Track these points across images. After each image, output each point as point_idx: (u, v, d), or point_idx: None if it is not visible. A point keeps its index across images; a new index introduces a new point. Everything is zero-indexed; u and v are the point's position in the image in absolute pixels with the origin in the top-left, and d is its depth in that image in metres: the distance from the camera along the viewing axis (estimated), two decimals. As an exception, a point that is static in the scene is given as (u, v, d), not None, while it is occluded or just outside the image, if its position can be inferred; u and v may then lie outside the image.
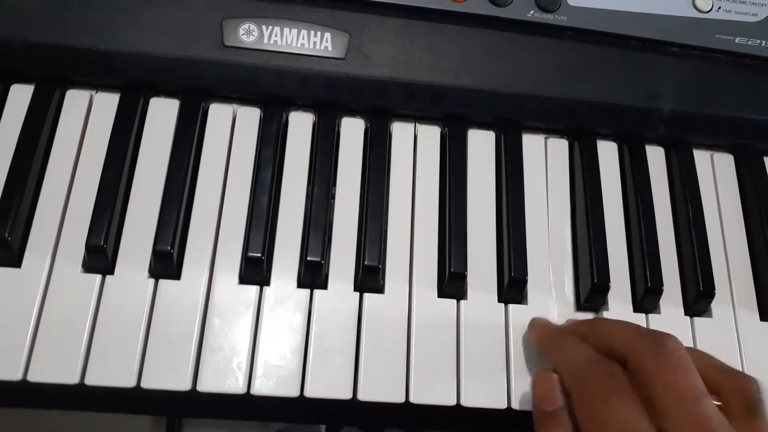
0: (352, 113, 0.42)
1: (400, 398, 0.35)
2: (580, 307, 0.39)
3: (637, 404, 0.29)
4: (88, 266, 0.36)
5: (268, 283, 0.37)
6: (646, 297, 0.39)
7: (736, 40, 0.44)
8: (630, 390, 0.29)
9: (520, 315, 0.38)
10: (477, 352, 0.37)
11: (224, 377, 0.34)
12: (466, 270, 0.38)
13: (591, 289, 0.38)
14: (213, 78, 0.40)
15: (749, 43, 0.44)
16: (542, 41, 0.42)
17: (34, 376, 0.33)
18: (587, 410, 0.30)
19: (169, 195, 0.37)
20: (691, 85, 0.43)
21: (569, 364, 0.33)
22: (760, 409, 0.29)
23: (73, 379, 0.34)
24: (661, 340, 0.30)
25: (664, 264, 0.40)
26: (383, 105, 0.41)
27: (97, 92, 0.40)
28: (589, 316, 0.39)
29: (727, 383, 0.30)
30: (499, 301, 0.38)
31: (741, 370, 0.39)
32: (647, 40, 0.43)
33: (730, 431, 0.27)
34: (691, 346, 0.39)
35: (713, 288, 0.39)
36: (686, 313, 0.40)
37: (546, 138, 0.43)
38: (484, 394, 0.36)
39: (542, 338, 0.36)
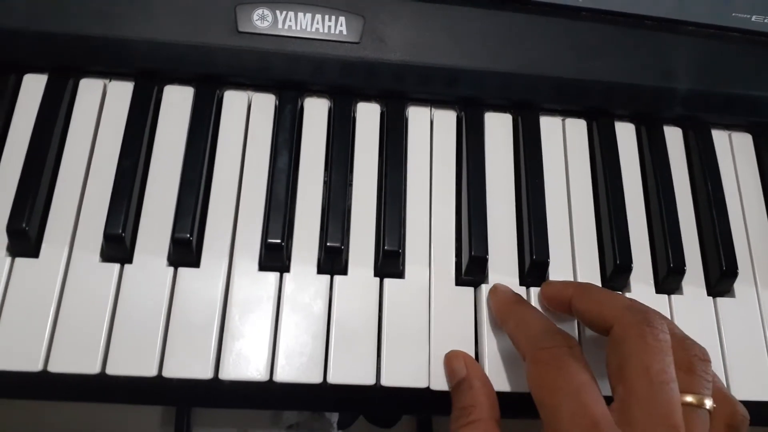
0: (367, 98, 0.41)
1: (423, 383, 0.35)
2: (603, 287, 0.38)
3: (589, 373, 0.29)
4: (107, 255, 0.36)
5: (287, 270, 0.36)
6: (669, 277, 0.39)
7: (753, 18, 0.44)
8: (584, 360, 0.30)
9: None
10: (498, 337, 0.36)
11: (246, 365, 0.34)
12: (487, 253, 0.37)
13: (613, 271, 0.38)
14: (227, 65, 0.39)
15: (766, 21, 0.44)
16: (557, 22, 0.41)
17: (54, 367, 0.33)
18: (540, 376, 0.30)
19: (186, 182, 0.37)
20: (708, 64, 0.43)
21: (528, 332, 0.33)
22: (698, 371, 0.29)
23: (93, 369, 0.33)
24: (648, 317, 0.29)
25: (686, 245, 0.39)
26: (399, 89, 0.41)
27: (110, 81, 0.40)
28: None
29: (720, 402, 0.30)
30: (521, 284, 0.38)
31: (765, 349, 0.38)
32: (662, 19, 0.43)
33: (685, 421, 0.27)
34: (714, 327, 0.39)
35: (736, 267, 0.39)
36: (709, 294, 0.39)
37: (563, 119, 0.43)
38: (507, 377, 0.36)
39: (501, 304, 0.36)
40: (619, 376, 0.29)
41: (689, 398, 0.28)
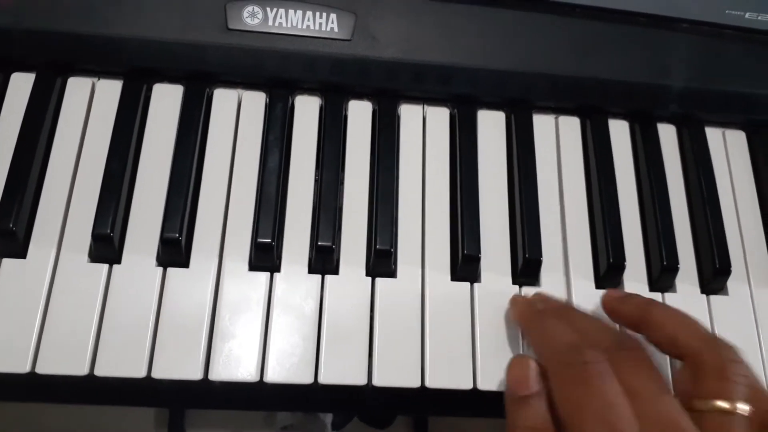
0: (359, 96, 0.41)
1: (415, 383, 0.35)
2: (597, 287, 0.38)
3: (618, 392, 0.28)
4: (95, 255, 0.35)
5: (278, 270, 0.36)
6: (662, 276, 0.38)
7: (746, 16, 0.44)
8: (613, 378, 0.28)
9: (535, 297, 0.37)
10: (492, 335, 0.36)
11: (236, 365, 0.34)
12: (479, 252, 0.37)
13: (607, 269, 0.38)
14: (217, 62, 0.39)
15: (759, 18, 0.43)
16: (551, 19, 0.41)
17: (42, 369, 0.33)
18: (566, 394, 0.29)
19: (175, 182, 0.37)
20: (702, 62, 0.42)
21: (552, 347, 0.31)
22: (729, 374, 0.29)
23: (81, 370, 0.33)
24: (726, 348, 0.29)
25: (679, 243, 0.39)
26: (391, 87, 0.41)
27: (99, 79, 0.39)
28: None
29: (707, 349, 0.29)
30: (514, 283, 0.38)
31: (759, 347, 0.38)
32: (656, 16, 0.43)
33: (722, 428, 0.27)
34: (708, 325, 0.38)
35: (729, 265, 0.39)
36: (702, 291, 0.39)
37: (557, 117, 0.43)
38: (502, 377, 0.35)
39: (524, 316, 0.35)
40: (694, 393, 0.28)
41: (721, 404, 0.28)
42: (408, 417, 1.00)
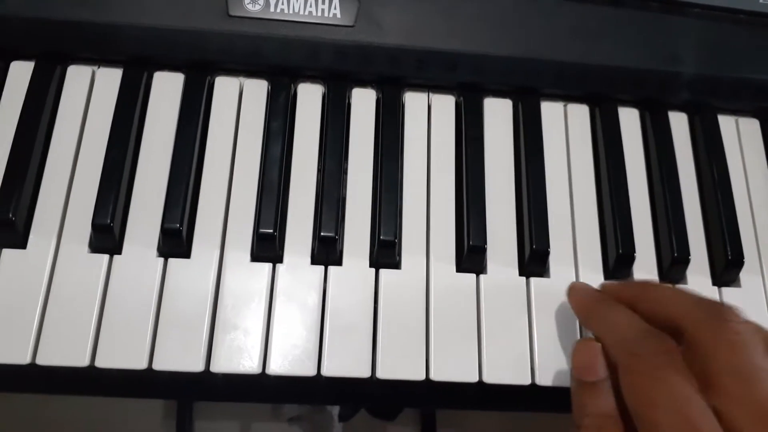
0: (362, 84, 0.40)
1: (420, 375, 0.34)
2: (606, 279, 0.37)
3: (691, 384, 0.26)
4: (95, 246, 0.35)
5: (280, 261, 0.35)
6: (673, 267, 0.38)
7: (760, 0, 0.43)
8: (685, 368, 0.27)
9: (543, 289, 0.36)
10: (498, 328, 0.35)
11: (238, 357, 0.33)
12: (485, 243, 0.36)
13: (616, 260, 0.37)
14: (218, 50, 0.38)
15: (774, 2, 0.42)
16: (560, 4, 0.40)
17: (43, 360, 0.32)
18: (636, 386, 0.27)
19: (176, 171, 0.36)
20: (714, 47, 0.41)
21: (618, 336, 0.30)
22: (726, 314, 0.28)
23: (82, 361, 0.33)
24: (721, 312, 0.27)
25: (691, 233, 0.38)
26: (395, 74, 0.40)
27: (99, 68, 0.39)
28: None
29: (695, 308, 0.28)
30: (521, 274, 0.37)
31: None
32: (668, 0, 0.42)
33: None
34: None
35: (742, 257, 0.38)
36: (714, 283, 0.38)
37: (565, 105, 0.42)
38: (507, 369, 0.35)
39: (584, 306, 0.33)
40: (708, 383, 0.26)
41: None
42: (414, 409, 1.00)
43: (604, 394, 0.30)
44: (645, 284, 0.33)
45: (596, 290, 0.34)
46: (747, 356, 0.26)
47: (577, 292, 0.34)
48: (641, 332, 0.29)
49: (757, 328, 0.27)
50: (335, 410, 0.92)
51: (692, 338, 0.28)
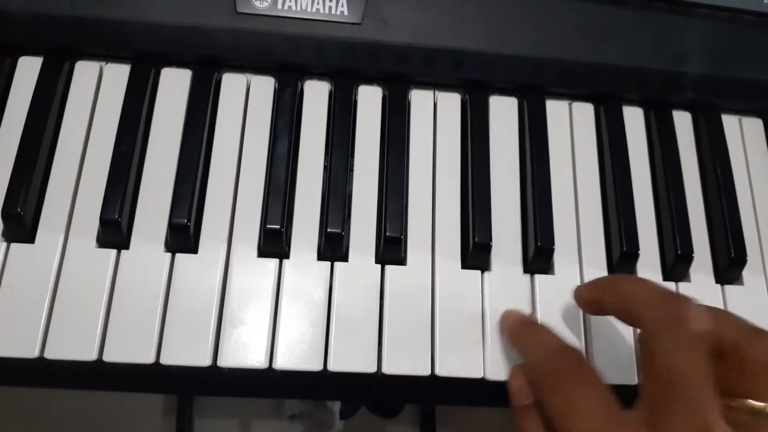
0: (369, 81, 0.40)
1: (425, 371, 0.34)
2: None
3: (602, 388, 0.27)
4: (103, 241, 0.35)
5: (287, 256, 0.36)
6: (676, 265, 0.38)
7: (765, 0, 0.43)
8: (595, 377, 0.28)
9: (547, 286, 0.37)
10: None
11: (245, 352, 0.34)
12: (490, 240, 0.36)
13: (620, 258, 0.37)
14: (226, 47, 0.38)
15: (778, 3, 0.43)
16: (565, 3, 0.40)
17: (50, 354, 0.33)
18: (552, 401, 0.29)
19: (183, 167, 0.36)
20: (719, 48, 0.42)
21: (535, 357, 0.32)
22: (681, 313, 0.27)
23: (90, 356, 0.33)
24: (677, 311, 0.27)
25: (694, 231, 0.39)
26: (401, 72, 0.40)
27: (107, 63, 0.39)
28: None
29: (751, 343, 0.27)
30: (525, 271, 0.37)
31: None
32: (673, 0, 0.42)
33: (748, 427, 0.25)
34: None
35: (745, 255, 0.38)
36: (717, 281, 0.39)
37: (570, 103, 0.42)
38: (511, 366, 0.35)
39: (510, 331, 0.35)
40: (648, 375, 0.27)
41: (756, 404, 0.26)
42: (416, 406, 1.00)
43: (534, 415, 0.31)
44: (612, 279, 0.33)
45: (523, 316, 0.36)
46: (688, 361, 0.26)
47: (506, 319, 0.35)
48: (552, 349, 0.31)
49: (707, 333, 0.27)
50: (336, 408, 0.92)
51: (646, 334, 0.28)
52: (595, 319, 0.36)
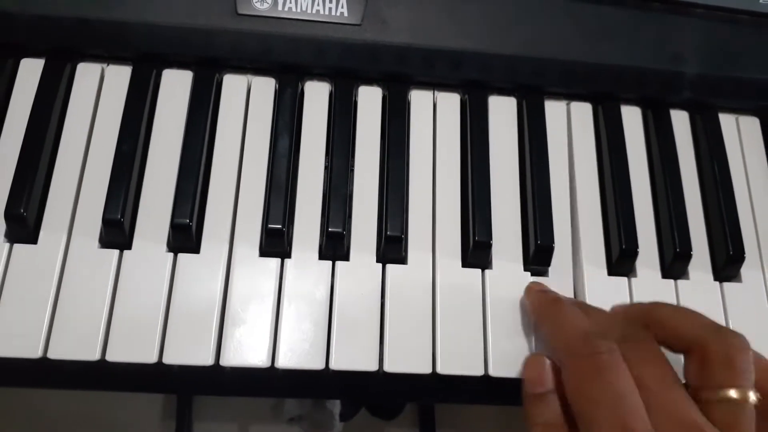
0: (369, 82, 0.41)
1: (426, 369, 0.35)
2: (609, 274, 0.38)
3: (629, 382, 0.27)
4: (106, 241, 0.35)
5: (289, 256, 0.36)
6: (675, 262, 0.38)
7: (761, 0, 0.43)
8: (625, 368, 0.28)
9: (547, 284, 0.37)
10: (504, 322, 0.36)
11: (248, 351, 0.34)
12: (491, 239, 0.37)
13: (619, 256, 0.37)
14: (227, 48, 0.39)
15: (774, 2, 0.43)
16: (563, 4, 0.41)
17: (53, 354, 0.33)
18: (577, 385, 0.29)
19: (185, 167, 0.36)
20: (715, 47, 0.42)
21: (565, 337, 0.31)
22: (738, 363, 0.28)
23: (93, 355, 0.33)
24: (729, 333, 0.29)
25: (692, 229, 0.39)
26: (401, 72, 0.40)
27: (108, 65, 0.39)
28: (619, 282, 0.38)
29: (712, 338, 0.29)
30: (525, 270, 0.37)
31: None
32: (670, 1, 0.42)
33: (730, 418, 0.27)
34: (721, 312, 0.38)
35: (743, 252, 0.38)
36: (715, 279, 0.39)
37: (568, 103, 0.42)
38: (513, 363, 0.35)
39: (539, 305, 0.35)
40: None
41: (732, 393, 0.27)
42: (416, 407, 1.00)
43: (550, 404, 0.31)
44: (651, 305, 0.33)
45: (549, 293, 0.35)
46: (744, 380, 0.27)
47: (531, 294, 0.35)
48: (585, 334, 0.30)
49: (710, 334, 0.29)
50: (336, 410, 0.92)
51: (704, 351, 0.29)
52: None
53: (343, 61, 0.39)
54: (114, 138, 0.37)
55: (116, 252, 0.35)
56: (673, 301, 0.38)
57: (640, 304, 0.35)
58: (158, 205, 0.36)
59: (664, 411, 0.27)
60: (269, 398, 0.97)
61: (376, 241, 0.37)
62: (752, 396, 0.27)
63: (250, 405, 1.01)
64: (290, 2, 0.38)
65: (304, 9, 0.38)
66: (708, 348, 0.29)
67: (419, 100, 0.41)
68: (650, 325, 0.31)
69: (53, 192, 0.36)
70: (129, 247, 0.35)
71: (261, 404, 0.99)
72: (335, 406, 0.90)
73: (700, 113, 0.43)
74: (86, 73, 0.39)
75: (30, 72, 0.38)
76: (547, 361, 0.32)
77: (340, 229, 0.36)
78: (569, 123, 0.42)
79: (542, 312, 0.34)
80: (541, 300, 0.35)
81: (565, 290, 0.36)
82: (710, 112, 0.43)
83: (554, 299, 0.34)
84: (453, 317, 0.36)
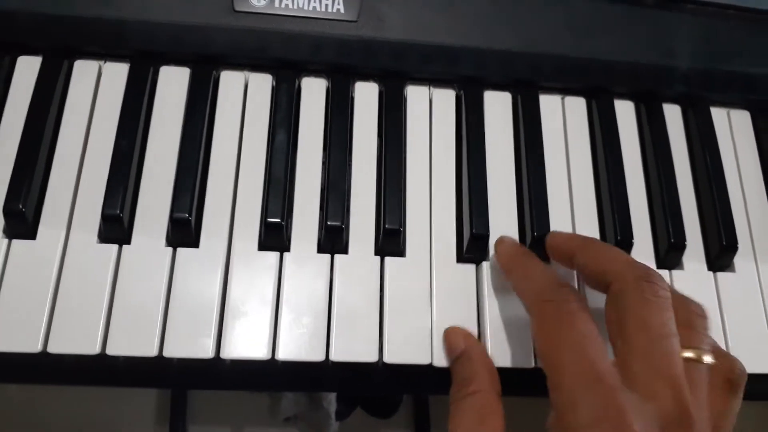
0: (365, 77, 0.41)
1: (425, 360, 0.35)
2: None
3: (593, 328, 0.29)
4: (105, 236, 0.35)
5: (288, 249, 0.36)
6: (670, 253, 0.39)
7: (749, -5, 0.44)
8: (589, 316, 0.29)
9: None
10: (501, 314, 0.36)
11: (248, 344, 0.34)
12: (488, 231, 0.37)
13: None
14: (224, 45, 0.39)
15: (764, -2, 0.44)
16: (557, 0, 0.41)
17: (53, 348, 0.33)
18: (544, 329, 0.30)
19: (184, 162, 0.37)
20: (707, 42, 0.43)
21: (533, 285, 0.32)
22: (696, 324, 0.30)
23: (93, 349, 0.33)
24: (649, 276, 0.29)
25: (686, 221, 0.39)
26: (397, 68, 0.41)
27: (105, 62, 0.39)
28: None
29: (718, 357, 0.30)
30: (522, 261, 0.38)
31: (766, 322, 0.38)
32: (661, -4, 0.43)
33: (685, 375, 0.27)
34: (715, 301, 0.39)
35: (736, 242, 0.39)
36: (709, 269, 0.39)
37: (563, 98, 0.43)
38: (510, 354, 0.35)
39: (506, 257, 0.36)
40: (618, 331, 0.29)
41: (689, 353, 0.28)
42: (411, 406, 1.00)
43: (464, 363, 0.34)
44: (587, 239, 0.35)
45: (520, 245, 0.37)
46: (658, 317, 0.28)
47: (503, 245, 0.36)
48: (553, 283, 0.31)
49: (672, 300, 0.29)
50: (332, 409, 0.92)
51: (616, 290, 0.30)
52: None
53: (340, 57, 0.40)
54: (112, 134, 0.37)
55: (115, 247, 0.35)
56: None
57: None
58: (157, 200, 0.36)
59: (651, 358, 0.27)
60: (264, 399, 0.97)
61: (374, 235, 0.37)
62: (707, 358, 0.29)
63: (246, 406, 1.01)
64: (287, -1, 0.39)
65: (300, 6, 0.39)
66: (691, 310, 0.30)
67: (415, 95, 0.41)
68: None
69: (52, 187, 0.36)
70: (128, 242, 0.35)
71: (256, 406, 0.99)
72: (331, 404, 0.90)
73: (692, 107, 0.44)
74: (83, 71, 0.39)
75: (27, 69, 0.38)
76: (456, 328, 0.35)
77: (339, 223, 0.36)
78: (564, 117, 0.42)
79: (513, 261, 0.35)
80: (513, 250, 0.36)
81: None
82: (702, 106, 0.43)
83: (523, 250, 0.36)
84: (450, 309, 0.36)
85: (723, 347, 0.37)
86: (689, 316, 0.30)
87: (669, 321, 0.28)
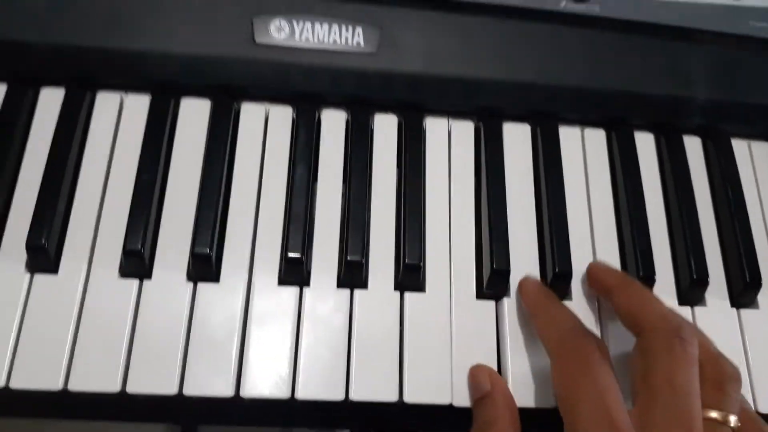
0: (384, 109, 0.41)
1: (446, 399, 0.35)
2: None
3: (613, 378, 0.29)
4: (126, 271, 0.35)
5: (307, 284, 0.36)
6: (692, 289, 0.38)
7: (757, 24, 0.44)
8: (610, 365, 0.30)
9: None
10: (522, 351, 0.36)
11: (267, 382, 0.34)
12: (509, 266, 0.37)
13: (636, 282, 0.37)
14: (244, 77, 0.39)
15: (783, 29, 0.43)
16: (575, 32, 0.41)
17: (74, 386, 0.33)
18: (564, 374, 0.31)
19: (205, 196, 0.37)
20: (725, 74, 0.43)
21: (554, 331, 0.33)
22: (728, 387, 0.30)
23: (114, 387, 0.33)
24: (680, 332, 0.30)
25: (708, 255, 0.39)
26: (416, 100, 0.41)
27: (127, 94, 0.40)
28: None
29: (745, 421, 0.30)
30: (543, 296, 0.37)
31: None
32: (680, 28, 0.43)
33: None
34: (738, 338, 0.38)
35: (760, 279, 0.38)
36: (732, 305, 0.39)
37: (582, 129, 0.42)
38: (532, 392, 0.35)
39: (532, 301, 0.36)
40: (642, 382, 0.29)
41: (714, 414, 0.29)
42: None
43: (489, 404, 0.33)
44: (628, 280, 0.35)
45: (543, 287, 0.36)
46: (684, 374, 0.28)
47: (526, 288, 0.36)
48: (577, 330, 0.32)
49: (707, 357, 0.30)
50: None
51: (646, 342, 0.30)
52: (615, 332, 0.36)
53: (359, 90, 0.40)
54: (133, 167, 0.37)
55: (136, 282, 0.35)
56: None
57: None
58: (178, 234, 0.36)
59: (673, 411, 0.28)
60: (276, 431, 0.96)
61: (393, 269, 0.37)
62: (733, 420, 0.29)
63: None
64: (307, 32, 0.39)
65: (321, 38, 0.39)
66: (704, 369, 0.30)
67: (434, 127, 0.41)
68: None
69: (74, 222, 0.36)
70: (149, 277, 0.35)
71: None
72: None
73: (712, 139, 0.43)
74: (105, 103, 0.39)
75: (50, 101, 0.39)
76: (484, 367, 0.35)
77: (359, 258, 0.36)
78: (584, 149, 0.42)
79: (536, 305, 0.35)
80: (535, 294, 0.36)
81: (586, 316, 0.36)
82: (723, 138, 0.43)
83: (547, 293, 0.36)
84: (470, 346, 0.36)
85: (747, 385, 0.37)
86: (722, 378, 0.30)
87: (693, 378, 0.28)
